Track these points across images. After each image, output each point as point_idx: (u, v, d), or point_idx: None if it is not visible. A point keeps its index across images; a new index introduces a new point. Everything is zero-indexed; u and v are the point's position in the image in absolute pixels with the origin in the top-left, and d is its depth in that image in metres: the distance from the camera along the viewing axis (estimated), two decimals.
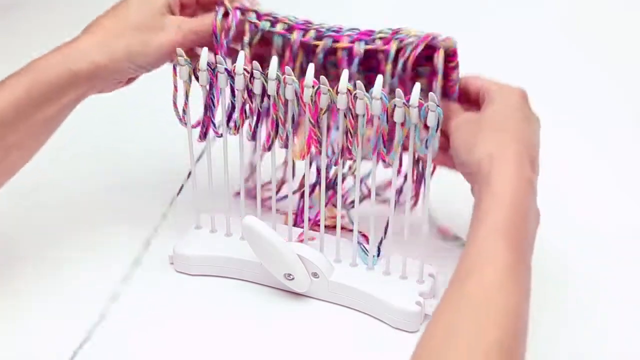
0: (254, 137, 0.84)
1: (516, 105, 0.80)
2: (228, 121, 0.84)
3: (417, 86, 0.77)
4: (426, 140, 0.78)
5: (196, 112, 0.85)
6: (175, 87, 0.83)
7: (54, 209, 0.98)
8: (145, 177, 1.03)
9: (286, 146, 0.83)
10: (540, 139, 0.80)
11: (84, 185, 0.92)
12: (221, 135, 0.86)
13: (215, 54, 0.83)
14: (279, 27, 0.83)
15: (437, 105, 0.75)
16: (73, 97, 0.83)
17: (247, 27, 0.84)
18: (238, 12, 0.84)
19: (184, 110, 0.84)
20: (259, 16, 0.84)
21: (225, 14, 0.85)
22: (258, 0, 0.87)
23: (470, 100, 0.84)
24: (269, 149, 0.84)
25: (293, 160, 0.87)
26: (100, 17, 0.85)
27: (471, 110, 0.82)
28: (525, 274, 0.70)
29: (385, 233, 0.86)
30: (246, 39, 0.84)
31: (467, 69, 1.23)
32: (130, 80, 0.89)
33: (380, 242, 0.87)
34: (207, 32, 0.85)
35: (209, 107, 0.84)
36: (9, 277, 0.89)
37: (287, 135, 0.82)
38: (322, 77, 0.78)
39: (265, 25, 0.84)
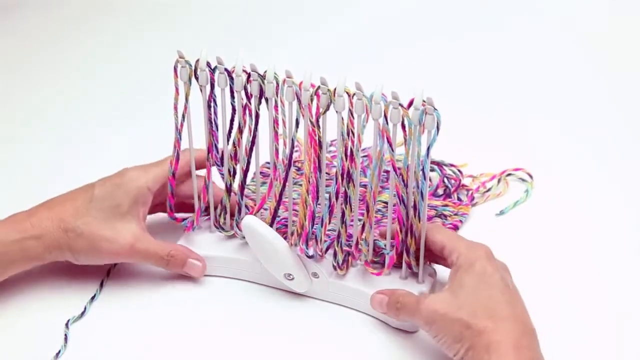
0: (253, 139, 0.84)
1: (488, 274, 0.77)
2: (231, 123, 0.85)
3: (420, 88, 0.77)
4: (427, 148, 0.78)
5: (196, 114, 0.86)
6: (177, 89, 0.83)
7: None
8: None
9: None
10: (521, 299, 0.77)
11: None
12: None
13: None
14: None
15: (435, 109, 0.76)
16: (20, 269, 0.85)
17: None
18: None
19: (183, 116, 0.84)
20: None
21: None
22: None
23: (432, 251, 0.83)
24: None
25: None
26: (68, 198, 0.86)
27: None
28: None
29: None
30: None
31: (470, 74, 1.25)
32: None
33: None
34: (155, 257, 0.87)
35: (211, 107, 0.84)
36: None
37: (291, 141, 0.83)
38: (322, 78, 0.78)
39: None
